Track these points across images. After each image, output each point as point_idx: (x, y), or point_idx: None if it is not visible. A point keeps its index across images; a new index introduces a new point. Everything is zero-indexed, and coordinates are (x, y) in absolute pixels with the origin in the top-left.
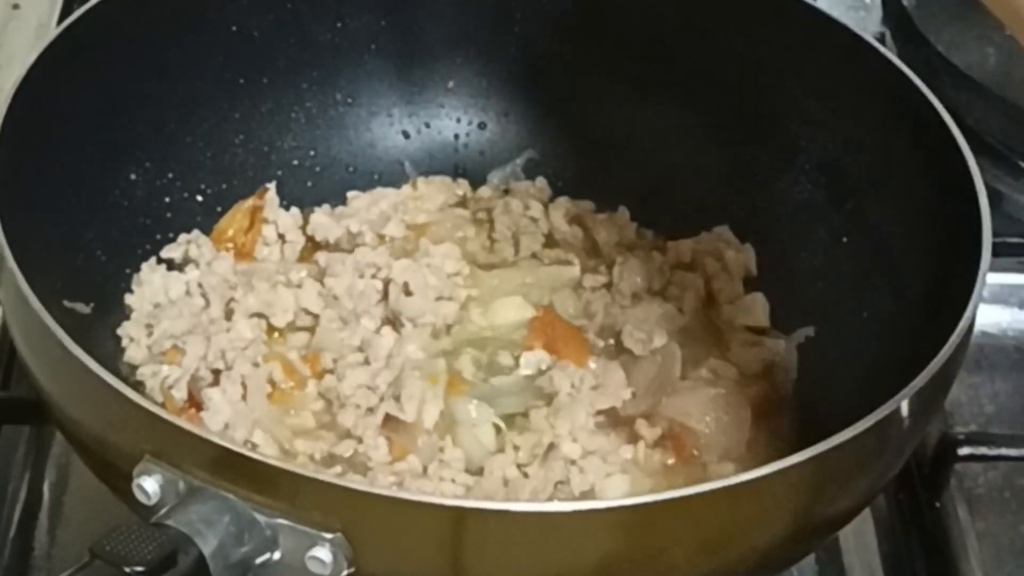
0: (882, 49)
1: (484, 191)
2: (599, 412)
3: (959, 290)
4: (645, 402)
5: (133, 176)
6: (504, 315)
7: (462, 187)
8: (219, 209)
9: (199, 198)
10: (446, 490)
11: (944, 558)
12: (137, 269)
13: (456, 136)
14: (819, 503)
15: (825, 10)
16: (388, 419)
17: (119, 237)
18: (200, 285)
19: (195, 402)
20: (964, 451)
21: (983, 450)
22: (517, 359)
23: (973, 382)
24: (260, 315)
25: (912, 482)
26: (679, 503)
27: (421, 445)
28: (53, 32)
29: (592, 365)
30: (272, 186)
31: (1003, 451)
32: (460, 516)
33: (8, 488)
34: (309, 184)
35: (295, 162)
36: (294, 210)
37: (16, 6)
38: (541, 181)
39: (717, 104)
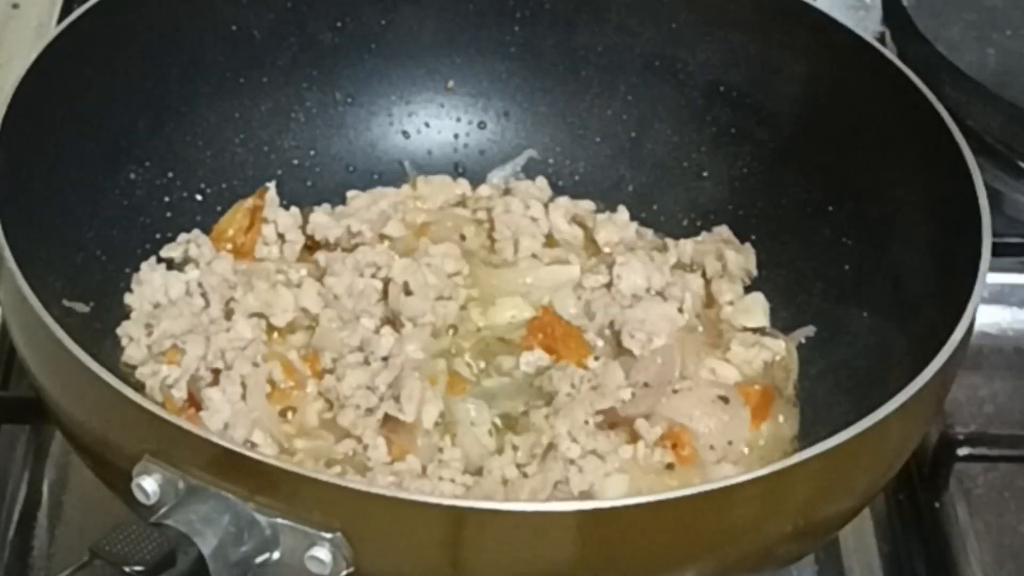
0: (882, 49)
1: (484, 190)
2: (598, 412)
3: (959, 290)
4: (645, 402)
5: (133, 176)
6: (504, 315)
7: (462, 187)
8: (219, 208)
9: (199, 197)
10: (445, 490)
11: (944, 558)
12: (137, 269)
13: (456, 136)
14: (819, 503)
15: (825, 10)
16: (387, 419)
17: (119, 237)
18: (200, 285)
19: (195, 402)
20: (964, 451)
21: (983, 450)
22: (517, 359)
23: (973, 382)
24: (260, 315)
25: (912, 482)
26: (679, 503)
27: (420, 445)
28: (53, 32)
29: (592, 365)
30: (272, 186)
31: (1003, 451)
32: (459, 516)
33: (7, 487)
34: (309, 183)
35: (295, 161)
36: (294, 209)
37: (16, 5)
38: (541, 181)
39: (717, 104)
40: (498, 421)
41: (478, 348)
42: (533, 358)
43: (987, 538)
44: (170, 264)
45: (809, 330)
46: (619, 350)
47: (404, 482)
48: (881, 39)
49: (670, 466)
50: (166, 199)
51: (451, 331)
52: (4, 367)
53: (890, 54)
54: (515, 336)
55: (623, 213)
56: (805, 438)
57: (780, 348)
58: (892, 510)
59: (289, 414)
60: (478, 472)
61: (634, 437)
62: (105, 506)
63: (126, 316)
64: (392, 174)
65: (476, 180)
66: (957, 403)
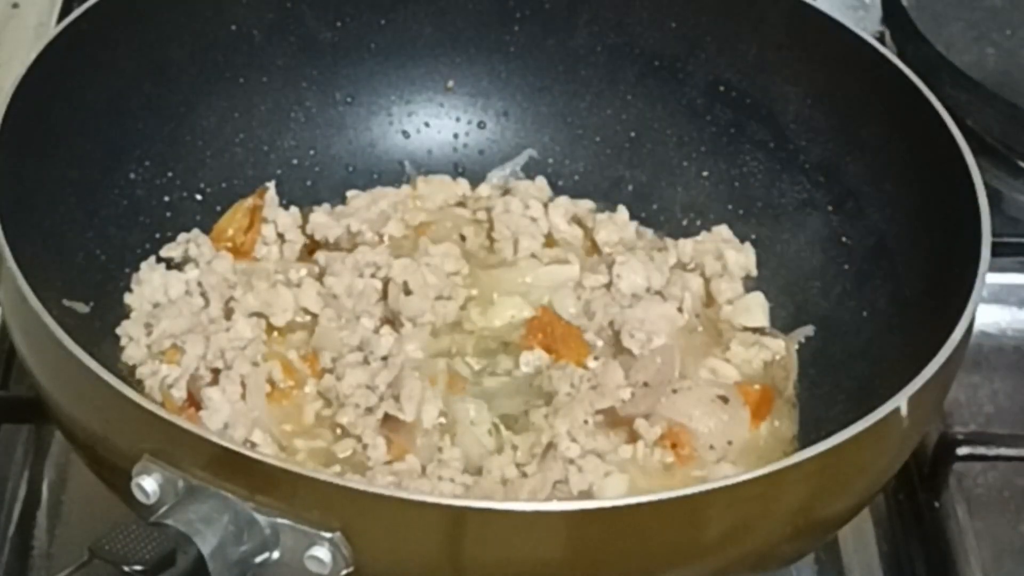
0: (882, 49)
1: (483, 190)
2: (598, 412)
3: (959, 290)
4: (644, 402)
5: (132, 175)
6: (503, 315)
7: (461, 187)
8: (218, 208)
9: (198, 197)
10: (445, 490)
11: (943, 558)
12: (136, 268)
13: (456, 135)
14: (819, 503)
15: (824, 10)
16: (387, 419)
17: (118, 236)
18: (199, 284)
19: (194, 401)
20: (963, 451)
21: (982, 450)
22: (516, 359)
23: (972, 382)
24: (259, 314)
25: (911, 482)
26: (679, 503)
27: (420, 445)
28: (52, 31)
29: (591, 365)
30: (271, 185)
31: (1002, 451)
32: (459, 516)
33: (7, 487)
34: (308, 183)
35: (294, 161)
36: (293, 209)
37: (15, 5)
38: (541, 181)
39: (717, 103)
40: (497, 421)
41: (478, 348)
42: (533, 358)
43: (986, 538)
44: (170, 264)
45: (808, 330)
46: (619, 349)
47: (403, 481)
48: (880, 39)
49: (670, 466)
50: (165, 199)
51: (450, 330)
52: (4, 367)
53: (889, 54)
54: (515, 336)
55: (623, 213)
56: (805, 438)
57: (780, 348)
58: (892, 510)
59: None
60: (478, 472)
61: (634, 437)
62: (105, 505)
63: (126, 316)
64: (392, 174)
65: (476, 180)
66: (957, 403)
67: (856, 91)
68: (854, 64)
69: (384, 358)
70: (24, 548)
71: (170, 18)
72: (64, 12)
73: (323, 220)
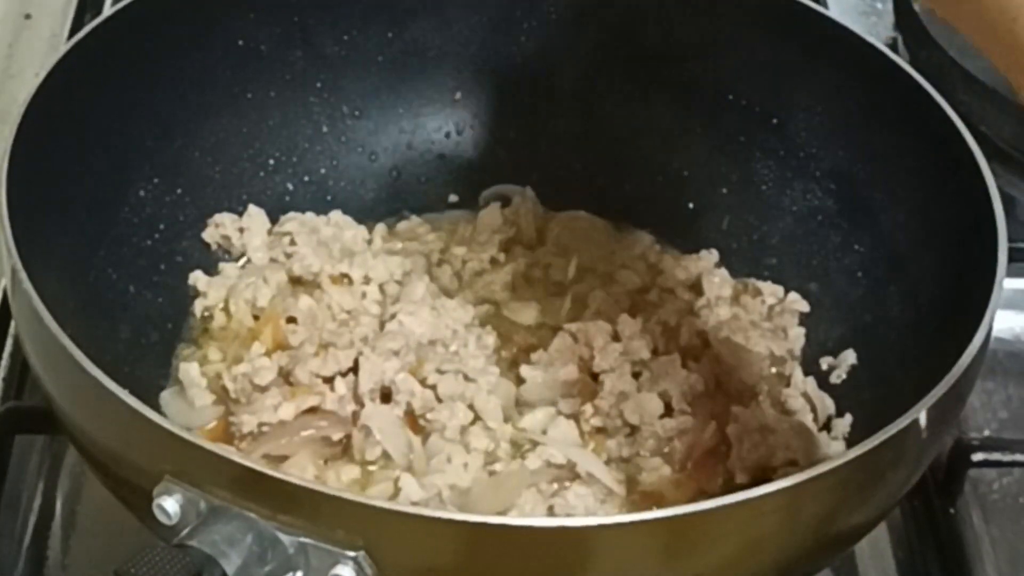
0: (893, 56)
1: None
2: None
3: (975, 298)
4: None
5: (142, 192)
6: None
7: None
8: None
9: (207, 214)
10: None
11: (959, 565)
12: (146, 286)
13: (464, 147)
14: (836, 517)
15: (836, 16)
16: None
17: (129, 255)
18: None
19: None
20: (978, 457)
21: (997, 456)
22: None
23: (987, 387)
24: None
25: (926, 488)
26: (697, 517)
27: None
28: (63, 47)
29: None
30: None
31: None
32: (483, 533)
33: (22, 498)
34: (317, 196)
35: (304, 176)
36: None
37: (28, 16)
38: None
39: (728, 113)
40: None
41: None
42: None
43: (1002, 544)
44: None
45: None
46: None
47: None
48: (893, 45)
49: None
50: (174, 216)
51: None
52: (18, 377)
53: (901, 60)
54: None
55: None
56: None
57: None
58: (907, 516)
59: None
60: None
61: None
62: (120, 517)
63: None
64: (401, 186)
65: (485, 186)
66: (971, 408)
67: (868, 98)
68: (865, 71)
69: None
70: (39, 559)
71: (178, 34)
72: (76, 23)
73: (308, 252)
